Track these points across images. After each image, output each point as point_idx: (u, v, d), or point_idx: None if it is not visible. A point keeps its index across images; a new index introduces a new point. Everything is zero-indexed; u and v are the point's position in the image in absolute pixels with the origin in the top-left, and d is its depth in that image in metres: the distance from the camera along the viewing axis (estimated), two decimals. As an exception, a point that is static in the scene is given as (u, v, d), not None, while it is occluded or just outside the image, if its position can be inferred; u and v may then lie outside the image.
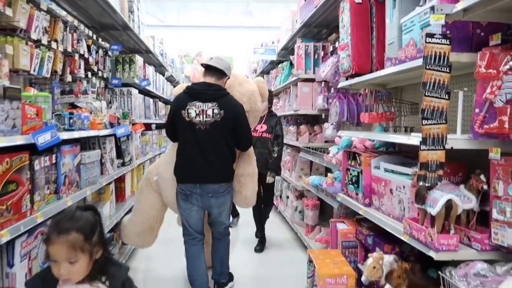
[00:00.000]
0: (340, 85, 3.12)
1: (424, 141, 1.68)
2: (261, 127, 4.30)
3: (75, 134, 2.43)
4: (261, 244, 4.36)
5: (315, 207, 4.22)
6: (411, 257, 2.42)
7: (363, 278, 2.19)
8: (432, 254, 1.78)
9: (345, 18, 2.97)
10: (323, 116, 4.26)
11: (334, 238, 3.02)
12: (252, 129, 3.28)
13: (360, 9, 2.85)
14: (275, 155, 4.19)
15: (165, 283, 3.45)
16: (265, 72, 8.18)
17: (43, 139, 1.87)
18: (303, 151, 4.56)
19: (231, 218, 3.40)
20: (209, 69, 2.98)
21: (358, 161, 2.83)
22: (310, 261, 2.65)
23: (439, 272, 1.74)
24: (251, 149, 3.25)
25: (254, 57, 6.97)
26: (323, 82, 4.26)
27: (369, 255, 2.24)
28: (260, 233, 4.46)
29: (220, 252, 3.17)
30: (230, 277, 3.33)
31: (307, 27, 4.61)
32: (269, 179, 4.16)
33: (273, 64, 7.06)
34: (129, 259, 3.88)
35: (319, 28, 4.70)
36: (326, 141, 4.54)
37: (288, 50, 5.95)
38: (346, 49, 2.95)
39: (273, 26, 10.20)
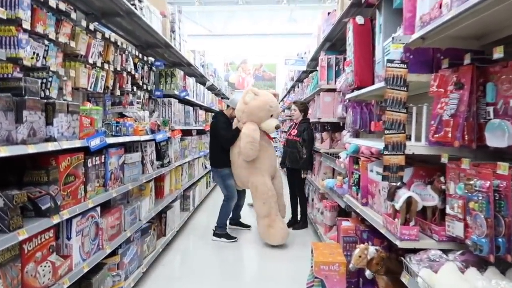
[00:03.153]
0: (347, 96, 3.49)
1: (386, 147, 2.05)
2: (293, 132, 5.39)
3: (120, 139, 3.03)
4: (300, 223, 5.49)
5: (333, 208, 4.56)
6: (399, 250, 2.74)
7: (350, 266, 2.56)
8: (397, 242, 2.13)
9: (350, 37, 3.35)
10: (342, 124, 4.60)
11: (339, 234, 3.38)
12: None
13: (362, 30, 3.22)
14: (304, 156, 5.25)
15: (198, 275, 3.97)
16: (300, 80, 8.58)
17: (95, 143, 2.45)
18: (324, 156, 4.92)
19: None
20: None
21: (360, 166, 3.19)
22: (312, 251, 3.04)
23: (402, 258, 2.09)
24: (241, 135, 4.75)
25: (286, 68, 7.41)
26: (341, 92, 4.61)
27: (356, 246, 2.60)
28: (301, 216, 5.55)
29: (220, 210, 4.99)
30: (225, 235, 4.89)
31: (329, 41, 4.98)
32: (303, 175, 5.38)
33: (307, 73, 7.45)
34: (166, 248, 4.46)
35: (342, 42, 5.05)
36: (345, 148, 4.87)
37: (316, 60, 6.32)
38: (350, 65, 3.32)
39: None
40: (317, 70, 6.15)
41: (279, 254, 4.48)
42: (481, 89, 1.84)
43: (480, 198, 1.69)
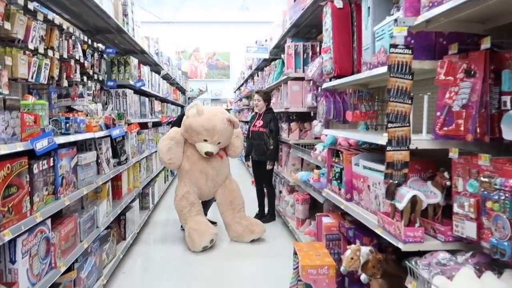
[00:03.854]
0: (324, 85, 3.27)
1: (389, 142, 1.83)
2: (258, 123, 5.15)
3: (71, 138, 2.59)
4: (268, 216, 5.32)
5: (305, 202, 4.38)
6: (388, 248, 2.58)
7: (342, 269, 2.35)
8: (400, 245, 1.94)
9: (327, 22, 3.11)
10: (312, 114, 4.41)
11: (320, 231, 3.18)
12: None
13: (341, 14, 2.99)
14: (271, 147, 5.04)
15: (163, 280, 3.62)
16: (259, 69, 8.31)
17: (41, 145, 2.02)
18: (294, 148, 4.72)
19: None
20: None
21: (341, 158, 2.99)
22: (295, 253, 2.81)
23: (406, 262, 1.90)
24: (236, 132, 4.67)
25: (248, 55, 7.11)
26: (311, 81, 4.40)
27: (347, 247, 2.40)
28: (268, 209, 5.39)
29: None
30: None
31: (296, 27, 4.74)
32: (268, 166, 5.11)
33: (267, 61, 7.18)
34: (127, 253, 4.05)
35: (309, 28, 4.83)
36: (315, 138, 4.69)
37: (280, 48, 6.07)
38: (328, 52, 3.09)
39: (269, 21, 10.32)
40: (279, 58, 5.92)
41: (251, 250, 4.24)
42: (493, 77, 1.67)
43: (503, 197, 1.52)
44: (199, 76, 17.91)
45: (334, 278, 2.49)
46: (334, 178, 3.08)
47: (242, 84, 12.35)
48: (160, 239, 4.78)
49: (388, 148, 1.84)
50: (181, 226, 4.68)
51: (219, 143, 4.42)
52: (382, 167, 2.38)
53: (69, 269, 2.59)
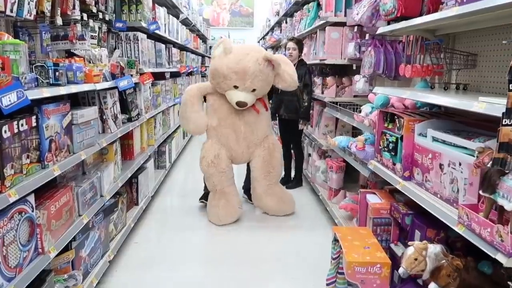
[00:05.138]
0: (379, 30, 2.57)
1: (509, 112, 1.21)
2: None
3: (61, 90, 2.05)
4: (295, 182, 4.81)
5: (340, 170, 3.83)
6: (457, 243, 2.04)
7: (401, 271, 1.83)
8: (500, 258, 1.38)
9: None
10: (354, 67, 3.72)
11: (363, 212, 2.65)
12: None
13: None
14: (305, 104, 4.37)
15: (180, 254, 3.21)
16: (288, 15, 7.45)
17: (8, 101, 1.49)
18: (329, 107, 4.08)
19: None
20: None
21: (398, 125, 2.38)
22: (336, 240, 2.30)
23: (509, 283, 1.35)
24: None
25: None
26: (355, 27, 3.67)
27: (409, 243, 1.87)
28: (295, 173, 4.87)
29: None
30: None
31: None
32: (300, 126, 4.51)
33: (298, 5, 6.34)
34: (139, 220, 3.66)
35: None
36: (355, 96, 4.04)
37: (315, -12, 5.23)
38: (391, -15, 2.37)
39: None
40: (314, 1, 5.11)
41: (276, 221, 3.76)
42: None
43: None
44: (221, 24, 16.91)
45: (388, 278, 1.98)
46: (385, 149, 2.48)
47: (267, 33, 11.43)
48: (177, 203, 4.37)
49: (505, 121, 1.23)
50: (200, 199, 4.07)
51: (253, 90, 3.48)
52: (467, 143, 1.78)
53: (66, 248, 2.17)
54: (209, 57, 9.53)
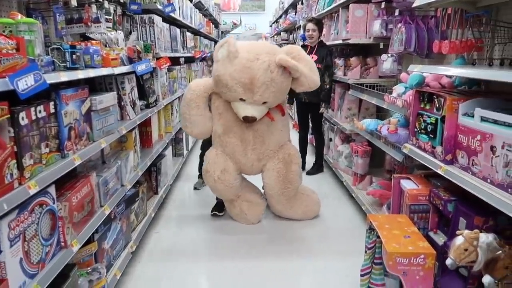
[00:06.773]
0: (416, 3, 2.37)
1: None
2: (312, 57, 3.91)
3: (80, 74, 1.93)
4: (316, 167, 4.70)
5: (366, 154, 3.67)
6: (507, 231, 1.88)
7: (448, 262, 1.69)
8: None
9: None
10: (381, 46, 3.52)
11: (397, 199, 2.50)
12: None
13: None
14: (327, 86, 4.23)
15: (203, 244, 3.12)
16: (304, -6, 7.20)
17: (25, 84, 1.37)
18: (354, 88, 3.90)
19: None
20: None
21: (437, 105, 2.20)
22: (371, 229, 2.16)
23: None
24: None
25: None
26: (382, 3, 3.46)
27: (457, 232, 1.72)
28: (316, 159, 4.75)
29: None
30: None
31: None
32: (322, 109, 4.35)
33: (315, -15, 6.09)
34: (159, 209, 3.57)
35: None
36: (380, 77, 3.84)
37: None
38: (430, -49, 2.17)
39: None
40: (333, -22, 4.87)
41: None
42: None
43: None
44: (232, 8, 16.59)
45: (432, 270, 1.84)
46: (422, 131, 2.32)
47: (280, 16, 11.16)
48: (196, 191, 4.28)
49: None
50: (212, 210, 3.50)
51: (264, 102, 2.96)
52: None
53: (88, 241, 2.08)
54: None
